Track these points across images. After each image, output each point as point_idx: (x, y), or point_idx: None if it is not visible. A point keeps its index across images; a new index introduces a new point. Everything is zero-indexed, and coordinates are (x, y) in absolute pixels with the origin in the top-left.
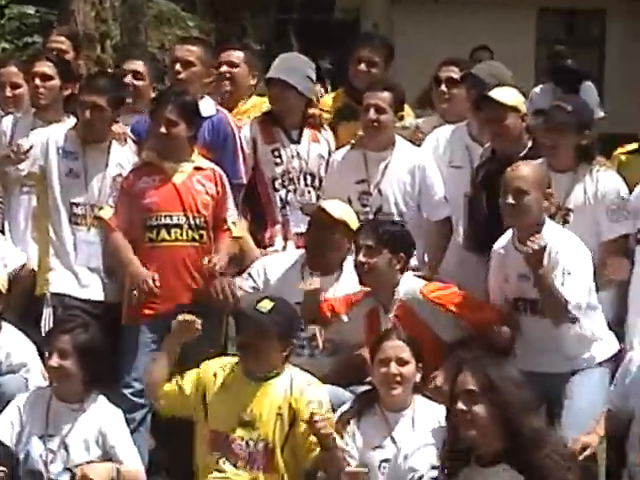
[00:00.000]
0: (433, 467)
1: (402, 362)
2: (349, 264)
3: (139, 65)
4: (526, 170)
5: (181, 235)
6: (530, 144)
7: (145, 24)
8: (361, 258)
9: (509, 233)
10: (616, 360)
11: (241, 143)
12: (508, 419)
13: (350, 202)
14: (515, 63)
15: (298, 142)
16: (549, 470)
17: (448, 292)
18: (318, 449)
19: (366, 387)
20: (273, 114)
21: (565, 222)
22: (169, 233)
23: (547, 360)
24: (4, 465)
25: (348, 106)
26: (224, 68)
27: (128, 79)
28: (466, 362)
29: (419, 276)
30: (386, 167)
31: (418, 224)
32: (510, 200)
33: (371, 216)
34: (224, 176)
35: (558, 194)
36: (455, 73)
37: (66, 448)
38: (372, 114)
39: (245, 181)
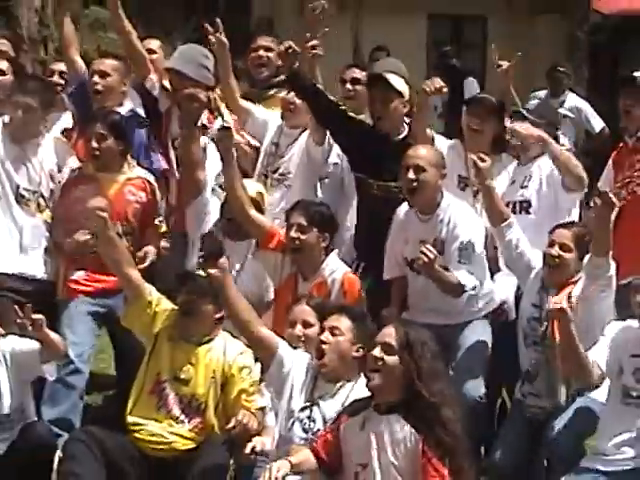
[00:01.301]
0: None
1: (307, 324)
2: None
3: (62, 65)
4: (424, 151)
5: None
6: (407, 130)
7: (81, 29)
8: (293, 234)
9: (403, 210)
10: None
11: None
12: (412, 378)
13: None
14: (409, 63)
15: None
16: (437, 430)
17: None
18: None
19: None
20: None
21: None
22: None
23: (440, 314)
24: None
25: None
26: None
27: (55, 78)
28: (393, 320)
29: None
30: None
31: None
32: (410, 176)
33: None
34: (154, 183)
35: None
36: (357, 73)
37: None
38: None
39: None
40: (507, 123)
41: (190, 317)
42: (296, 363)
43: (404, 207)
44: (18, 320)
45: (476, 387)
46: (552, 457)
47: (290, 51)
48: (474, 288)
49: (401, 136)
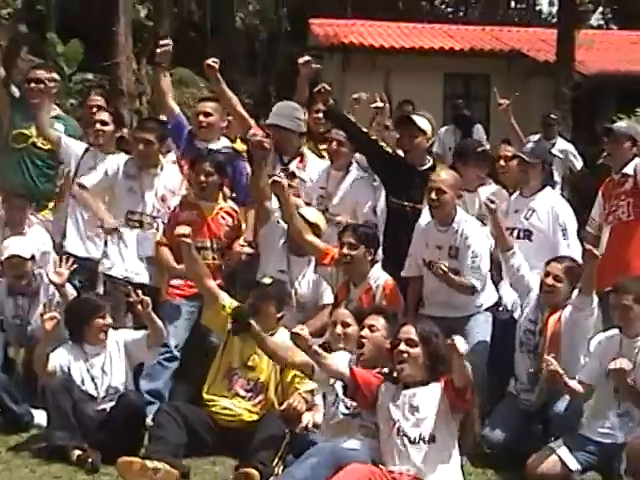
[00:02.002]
0: None
1: (345, 324)
2: None
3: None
4: (444, 175)
5: (210, 257)
6: (431, 162)
7: None
8: (345, 251)
9: (425, 220)
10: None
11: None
12: (435, 362)
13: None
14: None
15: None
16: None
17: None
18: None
19: None
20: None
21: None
22: (199, 252)
23: (449, 308)
24: None
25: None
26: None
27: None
28: (408, 320)
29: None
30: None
31: None
32: (433, 196)
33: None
34: (238, 211)
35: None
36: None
37: None
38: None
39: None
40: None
41: (256, 316)
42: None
43: (426, 218)
44: (130, 298)
45: (478, 364)
46: (556, 426)
47: (323, 90)
48: (482, 288)
49: (425, 167)
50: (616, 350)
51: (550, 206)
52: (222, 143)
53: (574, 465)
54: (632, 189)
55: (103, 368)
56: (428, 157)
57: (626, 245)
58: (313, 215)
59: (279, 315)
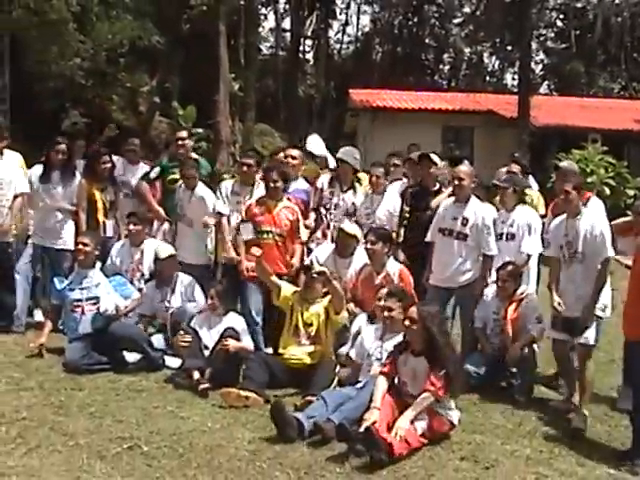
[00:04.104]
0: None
1: (385, 300)
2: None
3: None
4: (464, 168)
5: (272, 238)
6: (438, 186)
7: (253, 135)
8: (368, 246)
9: (449, 200)
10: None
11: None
12: (430, 334)
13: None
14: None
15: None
16: (447, 361)
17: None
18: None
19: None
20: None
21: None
22: (267, 234)
23: (450, 276)
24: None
25: None
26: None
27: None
28: (419, 299)
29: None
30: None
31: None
32: (455, 183)
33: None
34: (298, 211)
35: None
36: (395, 159)
37: None
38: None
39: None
40: None
41: (309, 290)
42: (364, 330)
43: (446, 203)
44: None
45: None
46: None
47: None
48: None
49: (435, 188)
50: (563, 229)
51: (526, 219)
52: (301, 182)
53: None
54: None
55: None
56: (437, 183)
57: None
58: (353, 229)
59: (324, 290)
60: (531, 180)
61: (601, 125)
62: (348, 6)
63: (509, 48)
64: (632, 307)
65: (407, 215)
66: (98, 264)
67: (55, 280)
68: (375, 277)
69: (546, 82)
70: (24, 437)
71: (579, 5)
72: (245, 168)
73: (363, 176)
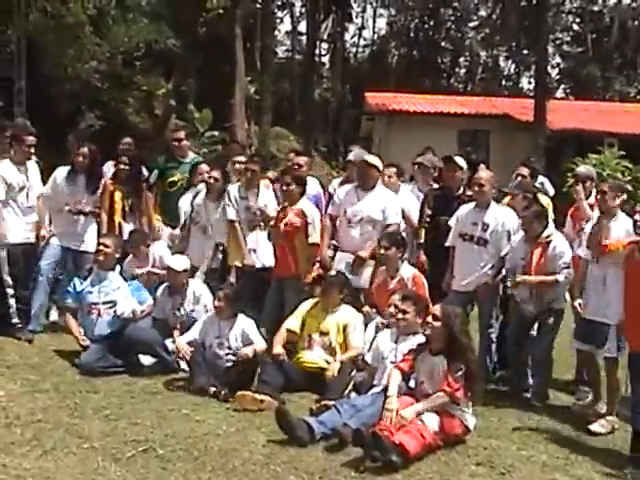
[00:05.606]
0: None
1: (398, 304)
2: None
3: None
4: (484, 174)
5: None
6: (462, 189)
7: (269, 138)
8: (381, 251)
9: (469, 205)
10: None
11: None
12: (451, 333)
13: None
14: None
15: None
16: (466, 362)
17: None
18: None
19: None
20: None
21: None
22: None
23: (471, 282)
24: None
25: None
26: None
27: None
28: (436, 302)
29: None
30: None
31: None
32: (475, 189)
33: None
34: (310, 214)
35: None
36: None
37: None
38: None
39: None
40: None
41: (326, 297)
42: (379, 334)
43: (466, 207)
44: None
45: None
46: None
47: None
48: (506, 252)
49: (459, 192)
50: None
51: (502, 220)
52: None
53: None
54: None
55: (228, 339)
56: (461, 185)
57: None
58: (374, 159)
59: (341, 296)
60: (547, 184)
61: (617, 129)
62: (364, 9)
63: (525, 52)
64: (635, 318)
65: (428, 219)
66: (117, 267)
67: (75, 281)
68: (389, 282)
69: (562, 86)
70: (39, 439)
71: (595, 8)
72: (249, 174)
73: None
